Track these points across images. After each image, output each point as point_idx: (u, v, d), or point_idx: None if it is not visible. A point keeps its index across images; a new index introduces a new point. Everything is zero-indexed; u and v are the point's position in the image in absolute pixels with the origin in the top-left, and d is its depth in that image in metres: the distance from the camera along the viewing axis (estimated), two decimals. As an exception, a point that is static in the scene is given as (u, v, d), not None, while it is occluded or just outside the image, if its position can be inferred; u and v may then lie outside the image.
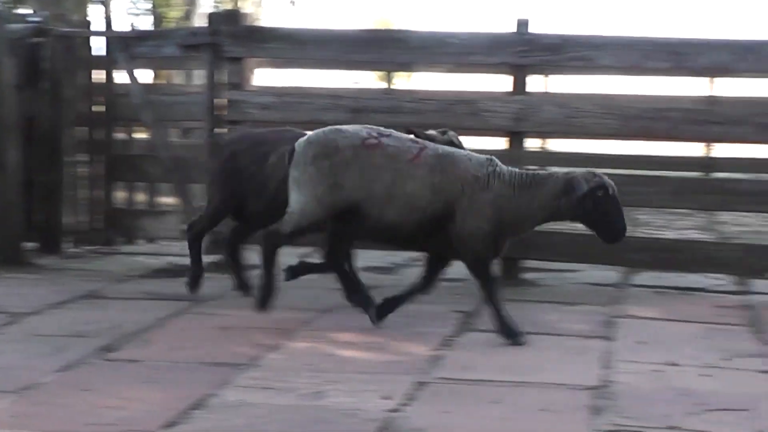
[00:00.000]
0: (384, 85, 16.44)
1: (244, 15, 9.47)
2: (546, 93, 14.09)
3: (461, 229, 6.64)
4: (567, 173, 6.72)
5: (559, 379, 5.75)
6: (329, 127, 6.90)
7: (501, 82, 8.70)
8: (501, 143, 8.78)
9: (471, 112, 8.50)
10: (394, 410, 5.20)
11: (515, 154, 8.44)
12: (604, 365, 6.08)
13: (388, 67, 16.30)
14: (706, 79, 14.61)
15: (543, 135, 12.73)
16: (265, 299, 6.94)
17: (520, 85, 8.53)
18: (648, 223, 11.70)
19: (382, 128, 6.85)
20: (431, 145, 6.82)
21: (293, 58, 10.35)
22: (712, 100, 13.95)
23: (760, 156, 12.86)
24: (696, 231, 11.52)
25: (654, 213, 12.13)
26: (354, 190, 6.68)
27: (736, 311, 7.58)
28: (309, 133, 6.93)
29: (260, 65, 9.94)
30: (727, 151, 13.05)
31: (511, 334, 6.60)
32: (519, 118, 8.42)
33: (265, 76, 12.22)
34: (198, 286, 7.73)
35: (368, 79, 18.95)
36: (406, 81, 24.31)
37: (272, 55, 9.22)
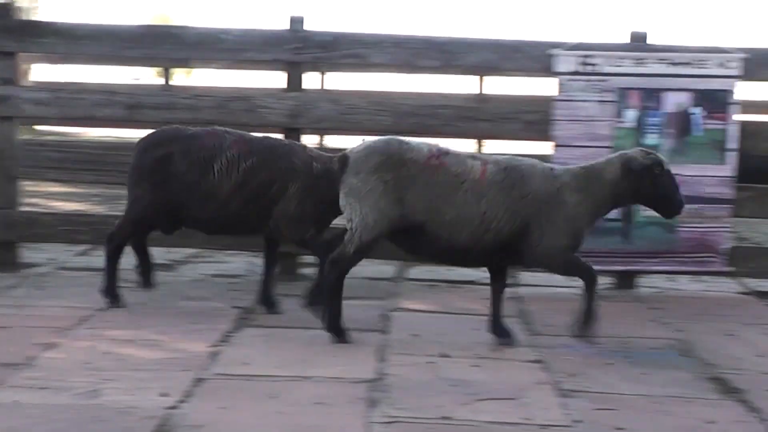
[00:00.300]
0: (163, 81, 16.29)
1: (18, 8, 9.23)
2: (322, 90, 14.23)
3: (538, 249, 6.44)
4: (620, 155, 6.65)
5: (336, 373, 5.83)
6: (390, 137, 6.59)
7: (281, 79, 8.70)
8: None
9: (247, 109, 8.50)
10: (172, 407, 5.19)
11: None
12: (380, 358, 6.18)
13: (165, 62, 16.14)
14: (476, 78, 14.99)
15: (319, 131, 12.82)
16: (339, 331, 6.55)
17: (295, 81, 8.57)
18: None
19: (440, 145, 6.57)
20: (491, 159, 6.58)
21: (68, 53, 10.12)
22: (482, 98, 14.32)
23: (528, 152, 13.22)
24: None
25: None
26: (418, 210, 6.39)
27: (504, 303, 7.79)
28: (368, 139, 6.57)
29: (37, 60, 9.71)
30: (497, 147, 13.40)
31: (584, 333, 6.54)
32: (294, 114, 8.46)
33: (55, 72, 11.95)
34: (118, 298, 7.35)
35: (148, 75, 18.71)
36: (185, 77, 24.10)
37: (47, 50, 9.00)
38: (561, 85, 8.21)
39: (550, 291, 7.94)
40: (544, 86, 12.99)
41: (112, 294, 7.28)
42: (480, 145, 14.40)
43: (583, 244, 6.60)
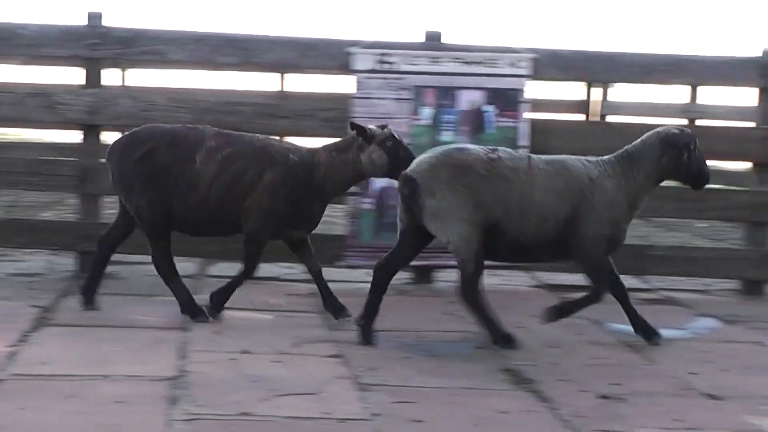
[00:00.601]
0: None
1: None
2: (122, 86, 14.01)
3: (582, 236, 6.66)
4: (656, 134, 6.87)
5: (137, 372, 5.78)
6: (443, 148, 6.80)
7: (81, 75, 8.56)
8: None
9: (46, 105, 8.35)
10: (-33, 411, 5.06)
11: (91, 147, 8.39)
12: (181, 356, 6.15)
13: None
14: (278, 75, 14.98)
15: (119, 128, 12.63)
16: (506, 341, 6.65)
17: (93, 78, 8.46)
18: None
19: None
20: (531, 154, 6.90)
21: None
22: (283, 95, 14.32)
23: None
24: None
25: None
26: (494, 206, 6.56)
27: (306, 299, 7.85)
28: (423, 156, 6.67)
29: None
30: (300, 143, 13.42)
31: (648, 334, 6.83)
32: (93, 111, 8.34)
33: None
34: (94, 302, 7.24)
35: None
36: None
37: None
38: (359, 82, 8.30)
39: (350, 287, 8.02)
40: (347, 84, 13.11)
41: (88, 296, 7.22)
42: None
43: (623, 239, 6.86)
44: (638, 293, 8.75)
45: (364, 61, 8.30)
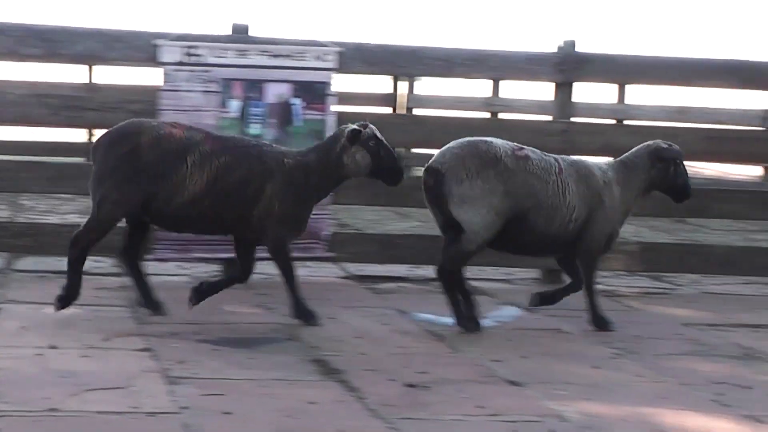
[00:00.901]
0: None
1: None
2: None
3: (591, 235, 7.14)
4: (645, 147, 7.34)
5: (-62, 370, 5.63)
6: (468, 140, 7.00)
7: None
8: None
9: None
10: None
11: None
12: (-14, 353, 6.02)
13: None
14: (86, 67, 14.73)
15: None
16: (471, 324, 6.99)
17: None
18: (32, 208, 11.61)
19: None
20: (556, 156, 7.18)
21: None
22: (92, 87, 14.09)
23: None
24: (78, 215, 11.58)
25: (38, 198, 12.07)
26: (523, 197, 6.88)
27: (115, 293, 7.76)
28: (447, 147, 6.96)
29: None
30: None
31: (600, 323, 7.22)
32: None
33: None
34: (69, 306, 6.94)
35: None
36: None
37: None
38: (166, 75, 8.22)
39: (160, 279, 7.95)
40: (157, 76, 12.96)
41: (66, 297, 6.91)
42: (90, 135, 14.18)
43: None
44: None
45: (171, 53, 8.22)
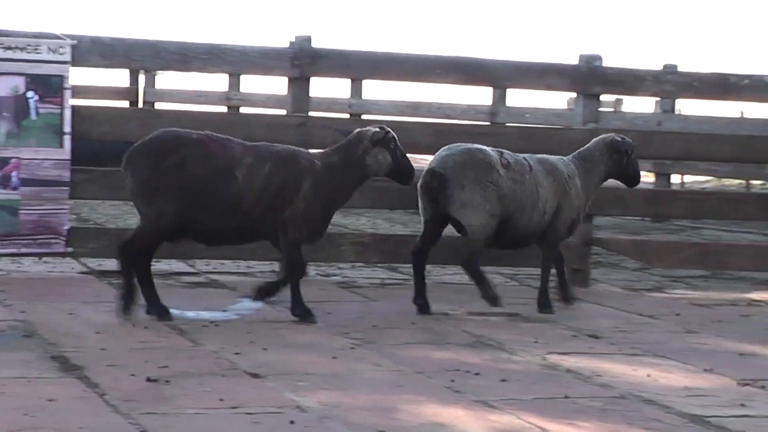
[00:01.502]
0: None
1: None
2: None
3: (558, 225, 7.92)
4: (602, 139, 8.17)
5: None
6: (463, 146, 7.71)
7: None
8: None
9: None
10: None
11: None
12: None
13: None
14: None
15: None
16: (494, 300, 7.75)
17: None
18: None
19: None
20: (523, 155, 7.86)
21: None
22: None
23: None
24: None
25: None
26: (510, 200, 7.64)
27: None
28: (444, 153, 7.64)
29: None
30: None
31: (544, 305, 7.97)
32: None
33: None
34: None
35: None
36: None
37: None
38: None
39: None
40: None
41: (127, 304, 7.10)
42: None
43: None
44: (184, 277, 8.91)
45: None
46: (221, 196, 7.08)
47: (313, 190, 7.25)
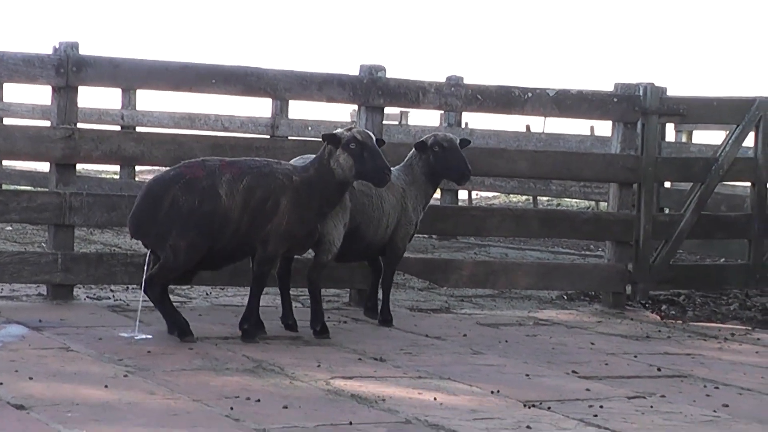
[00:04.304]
0: None
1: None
2: None
3: (397, 238, 8.59)
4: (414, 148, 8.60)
5: None
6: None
7: None
8: None
9: None
10: None
11: None
12: None
13: None
14: None
15: None
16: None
17: None
18: None
19: None
20: None
21: None
22: None
23: None
24: None
25: None
26: (357, 214, 8.16)
27: None
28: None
29: None
30: None
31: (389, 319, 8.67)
32: None
33: None
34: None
35: None
36: None
37: None
38: None
39: None
40: None
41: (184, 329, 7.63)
42: None
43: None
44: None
45: None
46: (213, 217, 7.52)
47: (291, 205, 7.61)
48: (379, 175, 7.70)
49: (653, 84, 10.39)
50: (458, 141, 8.68)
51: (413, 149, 8.68)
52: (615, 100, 10.32)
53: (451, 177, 8.77)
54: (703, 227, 10.70)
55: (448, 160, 8.53)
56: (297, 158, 8.23)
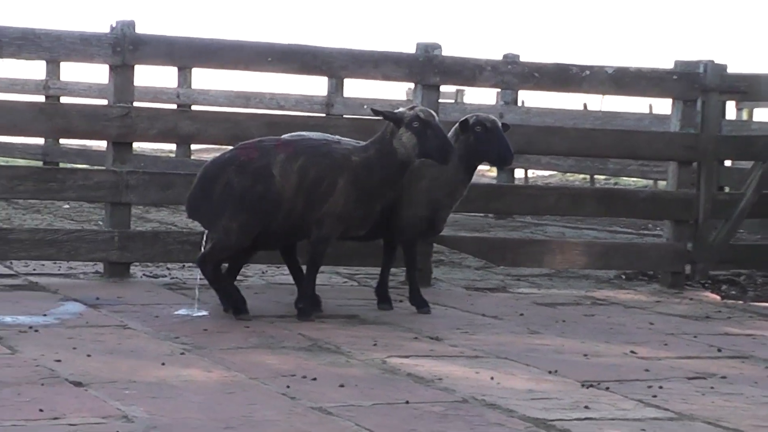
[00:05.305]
0: None
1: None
2: None
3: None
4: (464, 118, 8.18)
5: None
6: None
7: None
8: None
9: None
10: None
11: None
12: None
13: None
14: None
15: None
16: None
17: None
18: None
19: None
20: None
21: None
22: None
23: None
24: None
25: None
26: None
27: None
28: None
29: None
30: None
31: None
32: None
33: None
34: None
35: None
36: None
37: None
38: None
39: None
40: None
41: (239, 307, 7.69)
42: None
43: None
44: (1, 279, 8.73)
45: None
46: (268, 198, 7.52)
47: (349, 186, 7.57)
48: (443, 153, 7.61)
49: (713, 61, 10.29)
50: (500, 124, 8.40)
51: (453, 129, 8.30)
52: (674, 77, 10.23)
53: (490, 159, 8.41)
54: (764, 206, 10.59)
55: (490, 141, 8.14)
56: (293, 134, 8.16)
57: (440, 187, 8.19)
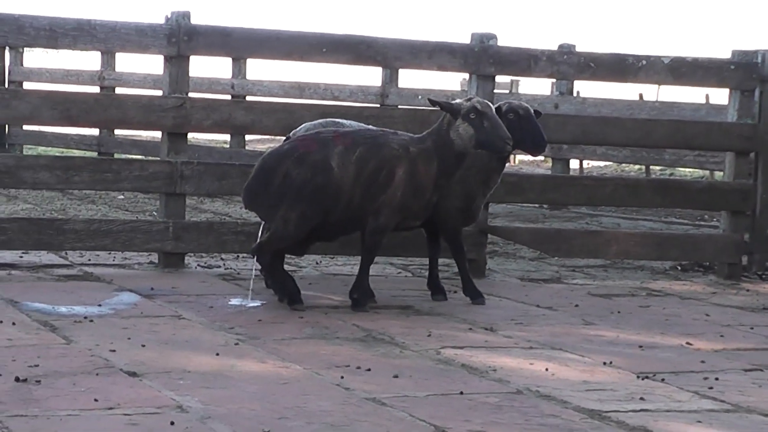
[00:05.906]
0: None
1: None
2: None
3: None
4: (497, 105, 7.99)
5: None
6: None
7: None
8: None
9: None
10: None
11: None
12: None
13: None
14: None
15: None
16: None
17: None
18: None
19: None
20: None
21: None
22: None
23: None
24: None
25: None
26: None
27: None
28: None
29: None
30: None
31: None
32: None
33: None
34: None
35: None
36: None
37: None
38: None
39: None
40: None
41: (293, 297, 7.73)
42: None
43: None
44: (56, 269, 8.80)
45: None
46: (326, 190, 7.53)
47: (407, 177, 7.60)
48: (500, 144, 7.59)
49: (772, 51, 10.17)
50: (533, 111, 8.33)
51: None
52: (732, 67, 10.13)
53: (525, 146, 8.26)
54: (822, 197, 10.47)
55: (522, 128, 8.09)
56: (306, 124, 8.24)
57: (474, 175, 8.20)
